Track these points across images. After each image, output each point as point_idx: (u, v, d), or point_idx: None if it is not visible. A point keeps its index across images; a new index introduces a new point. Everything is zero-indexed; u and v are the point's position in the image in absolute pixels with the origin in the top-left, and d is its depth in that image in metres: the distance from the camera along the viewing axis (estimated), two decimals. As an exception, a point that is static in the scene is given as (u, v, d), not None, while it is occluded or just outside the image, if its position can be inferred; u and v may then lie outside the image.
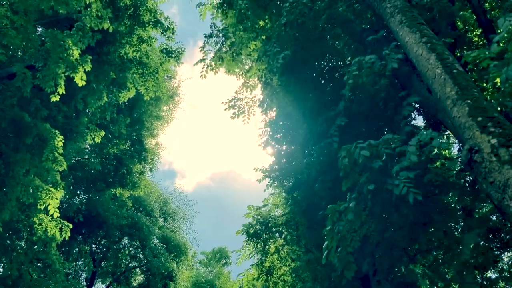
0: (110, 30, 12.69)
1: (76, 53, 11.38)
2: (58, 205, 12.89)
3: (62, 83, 11.49)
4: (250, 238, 12.66)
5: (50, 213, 12.80)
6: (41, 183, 12.39)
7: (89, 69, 12.06)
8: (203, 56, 14.23)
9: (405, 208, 6.89)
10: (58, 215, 13.04)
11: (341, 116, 7.97)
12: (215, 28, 14.75)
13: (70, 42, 11.22)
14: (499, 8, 9.83)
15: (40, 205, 12.66)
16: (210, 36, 14.69)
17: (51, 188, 12.51)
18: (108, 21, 12.24)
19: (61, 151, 12.42)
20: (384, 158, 5.90)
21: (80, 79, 11.82)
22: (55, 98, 11.69)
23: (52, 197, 12.50)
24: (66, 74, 11.51)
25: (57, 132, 12.41)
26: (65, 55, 11.14)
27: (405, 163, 5.71)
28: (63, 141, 12.63)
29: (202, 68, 13.91)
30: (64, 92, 11.71)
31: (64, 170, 12.61)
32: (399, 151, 5.96)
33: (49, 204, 12.60)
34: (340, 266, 6.23)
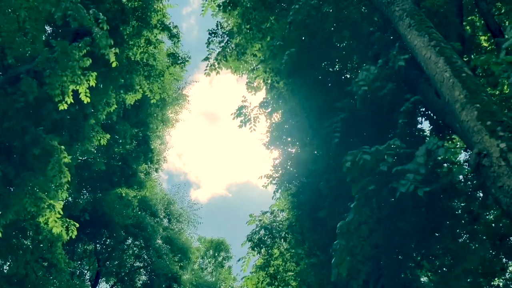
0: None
1: (83, 64, 11.29)
2: (59, 219, 12.79)
3: (70, 92, 11.44)
4: (254, 246, 12.56)
5: (50, 226, 12.76)
6: (44, 196, 12.15)
7: (94, 84, 11.89)
8: (208, 54, 14.02)
9: (412, 215, 6.85)
10: (59, 230, 12.97)
11: (345, 117, 7.98)
12: (220, 27, 14.57)
13: (77, 54, 11.10)
14: (507, 12, 9.76)
15: (39, 219, 12.64)
16: (215, 34, 14.43)
17: (52, 202, 12.29)
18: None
19: (67, 160, 12.28)
20: (390, 161, 5.90)
21: (84, 95, 11.73)
22: (63, 107, 11.64)
23: (51, 210, 12.31)
24: (71, 85, 11.39)
25: (63, 147, 12.28)
26: (73, 65, 11.06)
27: (412, 166, 5.71)
28: (68, 160, 12.48)
29: (206, 67, 13.77)
30: (72, 101, 11.66)
31: (68, 181, 12.44)
32: (404, 153, 5.99)
33: (49, 217, 12.54)
34: (348, 273, 6.16)
